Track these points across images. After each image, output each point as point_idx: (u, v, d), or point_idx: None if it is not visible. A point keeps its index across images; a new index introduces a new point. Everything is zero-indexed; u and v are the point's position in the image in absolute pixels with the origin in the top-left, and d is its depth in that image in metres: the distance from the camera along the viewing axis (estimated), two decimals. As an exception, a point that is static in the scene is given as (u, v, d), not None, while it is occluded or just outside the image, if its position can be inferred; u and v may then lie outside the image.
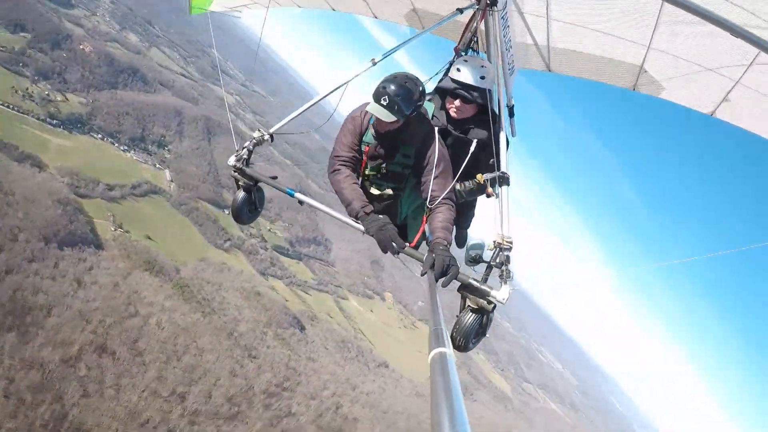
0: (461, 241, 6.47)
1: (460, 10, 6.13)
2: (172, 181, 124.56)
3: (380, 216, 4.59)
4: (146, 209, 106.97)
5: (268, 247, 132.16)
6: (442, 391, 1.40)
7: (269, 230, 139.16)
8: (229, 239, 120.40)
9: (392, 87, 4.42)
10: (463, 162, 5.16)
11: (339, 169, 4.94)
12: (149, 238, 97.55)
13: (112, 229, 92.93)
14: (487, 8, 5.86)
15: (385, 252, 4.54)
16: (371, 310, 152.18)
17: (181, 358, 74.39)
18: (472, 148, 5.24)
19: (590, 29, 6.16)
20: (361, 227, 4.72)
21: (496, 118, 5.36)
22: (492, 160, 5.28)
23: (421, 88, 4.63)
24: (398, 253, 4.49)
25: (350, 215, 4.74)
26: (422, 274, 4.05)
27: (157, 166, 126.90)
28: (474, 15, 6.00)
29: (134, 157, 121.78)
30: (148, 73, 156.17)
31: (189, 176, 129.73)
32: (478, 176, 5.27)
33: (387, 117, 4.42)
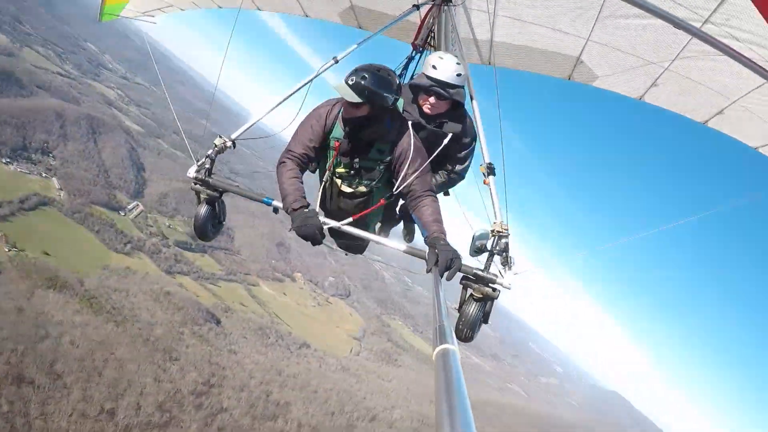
0: (411, 234, 6.75)
1: (417, 6, 6.25)
2: (61, 189, 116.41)
3: (307, 210, 4.41)
4: (39, 223, 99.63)
5: (170, 244, 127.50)
6: (446, 388, 1.39)
7: (169, 226, 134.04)
8: (129, 242, 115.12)
9: (370, 74, 4.30)
10: (434, 154, 5.10)
11: (284, 162, 4.75)
12: (47, 253, 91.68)
13: (6, 249, 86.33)
14: (443, 4, 6.11)
15: (315, 245, 4.49)
16: (284, 293, 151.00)
17: (102, 373, 71.45)
18: (445, 141, 5.20)
19: (533, 23, 6.39)
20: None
21: (466, 110, 5.47)
22: (461, 153, 5.51)
23: (398, 81, 4.58)
24: (320, 243, 4.48)
25: (284, 210, 4.59)
26: (428, 271, 3.92)
27: (44, 175, 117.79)
28: (430, 11, 6.23)
29: (18, 169, 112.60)
30: (22, 76, 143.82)
31: (79, 181, 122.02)
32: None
33: (353, 98, 4.26)
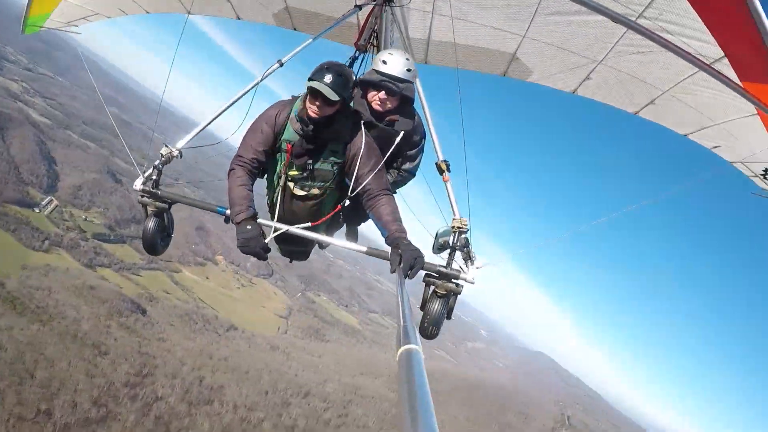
0: (355, 237, 6.54)
1: (359, 7, 6.41)
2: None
3: (249, 227, 4.38)
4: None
5: (88, 237, 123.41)
6: (408, 389, 1.39)
7: (85, 219, 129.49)
8: (46, 238, 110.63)
9: (333, 69, 4.31)
10: (388, 153, 5.09)
11: (234, 170, 4.67)
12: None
13: None
14: (385, 4, 6.20)
15: (261, 260, 4.56)
16: (207, 277, 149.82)
17: (34, 374, 70.27)
18: (398, 140, 5.17)
19: (471, 22, 6.48)
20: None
21: (415, 112, 5.45)
22: (412, 150, 5.54)
23: (354, 78, 4.64)
24: (265, 260, 4.54)
25: (231, 219, 4.56)
26: (392, 271, 3.90)
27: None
28: (372, 12, 6.24)
29: None
30: None
31: None
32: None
33: (332, 95, 4.24)
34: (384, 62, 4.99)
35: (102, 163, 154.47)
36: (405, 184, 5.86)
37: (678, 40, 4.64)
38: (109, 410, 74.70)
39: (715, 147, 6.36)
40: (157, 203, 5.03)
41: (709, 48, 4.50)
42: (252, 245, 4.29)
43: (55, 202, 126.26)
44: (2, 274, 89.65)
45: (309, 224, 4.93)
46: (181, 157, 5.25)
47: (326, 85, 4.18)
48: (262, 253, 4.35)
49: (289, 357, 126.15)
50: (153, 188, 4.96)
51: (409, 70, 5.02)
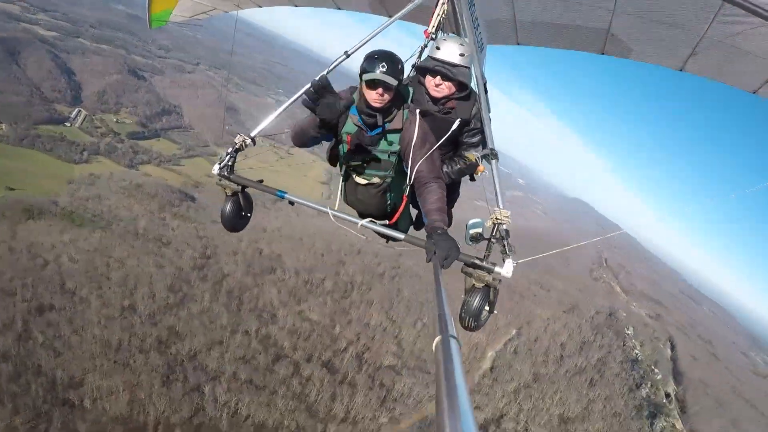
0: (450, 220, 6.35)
1: None
2: (0, 122, 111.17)
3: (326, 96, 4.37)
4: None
5: (123, 138, 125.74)
6: (445, 377, 1.41)
7: (117, 122, 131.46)
8: (84, 149, 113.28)
9: (384, 56, 4.27)
10: (446, 141, 5.06)
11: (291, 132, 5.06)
12: (11, 188, 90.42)
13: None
14: None
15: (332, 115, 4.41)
16: (245, 156, 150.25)
17: (109, 277, 74.92)
18: (454, 127, 5.09)
19: None
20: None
21: (475, 95, 5.35)
22: (473, 138, 5.39)
23: (403, 62, 4.49)
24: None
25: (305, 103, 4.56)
26: (427, 261, 3.93)
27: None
28: None
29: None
30: None
31: (15, 108, 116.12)
32: (469, 155, 5.30)
33: (390, 80, 4.23)
34: (438, 48, 5.00)
35: (120, 63, 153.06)
36: (470, 171, 5.64)
37: None
38: (184, 293, 79.86)
39: None
40: (232, 186, 5.28)
41: None
42: (329, 107, 4.26)
43: (84, 112, 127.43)
44: (52, 192, 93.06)
45: (386, 222, 5.19)
46: (254, 144, 5.53)
47: (383, 73, 4.20)
48: (335, 109, 4.28)
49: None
50: (228, 173, 5.23)
51: (462, 54, 4.97)
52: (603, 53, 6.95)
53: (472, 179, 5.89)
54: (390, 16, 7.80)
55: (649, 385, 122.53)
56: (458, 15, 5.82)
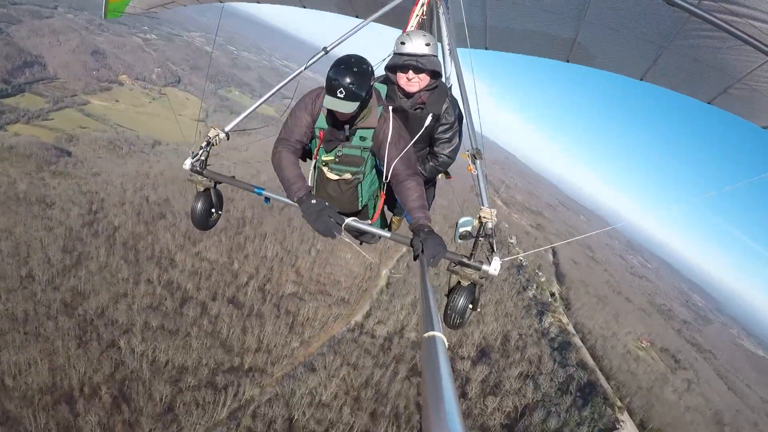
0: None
1: None
2: None
3: (314, 201, 4.16)
4: None
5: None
6: (432, 375, 1.40)
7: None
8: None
9: (345, 77, 3.99)
10: (420, 138, 4.95)
11: (280, 151, 4.52)
12: None
13: None
14: None
15: (331, 237, 4.22)
16: (116, 101, 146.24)
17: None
18: (427, 122, 5.00)
19: (527, 6, 6.20)
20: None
21: (445, 89, 5.27)
22: (446, 134, 5.26)
23: (370, 68, 4.20)
24: (335, 236, 4.23)
25: (289, 198, 4.38)
26: (414, 259, 3.78)
27: None
28: None
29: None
30: None
31: None
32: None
33: (347, 108, 4.05)
34: (402, 43, 4.89)
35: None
36: (445, 168, 5.59)
37: (745, 23, 4.29)
38: (80, 252, 79.65)
39: None
40: (205, 182, 5.04)
41: None
42: (324, 218, 4.07)
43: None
44: None
45: (369, 222, 4.89)
46: (228, 139, 5.25)
47: (341, 99, 4.01)
48: (338, 226, 4.11)
49: (219, 157, 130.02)
50: (201, 168, 4.94)
51: (428, 44, 4.85)
52: (567, 61, 7.08)
53: (447, 176, 5.95)
54: (357, 17, 8.18)
55: (534, 287, 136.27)
56: (435, 17, 5.94)
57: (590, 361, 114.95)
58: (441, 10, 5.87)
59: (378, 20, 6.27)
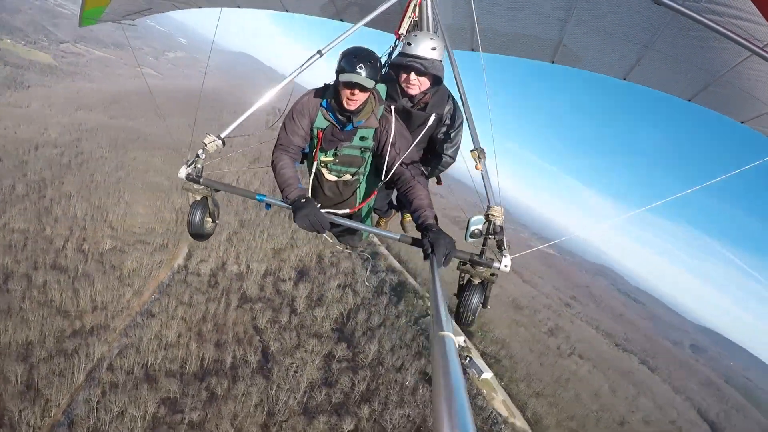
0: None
1: None
2: None
3: (304, 200, 4.06)
4: None
5: None
6: (443, 375, 1.39)
7: None
8: None
9: (363, 56, 4.01)
10: (422, 138, 4.97)
11: (278, 156, 4.47)
12: None
13: None
14: None
15: (321, 232, 4.17)
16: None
17: None
18: (429, 123, 4.94)
19: (514, 9, 6.19)
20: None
21: (446, 90, 5.18)
22: (448, 134, 5.22)
23: (380, 63, 4.19)
24: (323, 231, 4.15)
25: (284, 200, 4.22)
26: (425, 259, 3.63)
27: None
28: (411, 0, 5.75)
29: None
30: None
31: None
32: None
33: (368, 83, 4.00)
34: (409, 43, 4.76)
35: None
36: (446, 169, 5.50)
37: (727, 22, 4.33)
38: None
39: None
40: (201, 190, 4.56)
41: (760, 29, 4.24)
42: (311, 218, 3.96)
43: None
44: None
45: (347, 211, 4.77)
46: (224, 145, 4.77)
47: (362, 75, 3.97)
48: (321, 226, 4.01)
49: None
50: (197, 176, 4.46)
51: (434, 48, 4.72)
52: (553, 62, 6.97)
53: (438, 182, 5.89)
54: (342, 21, 8.12)
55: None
56: (425, 19, 5.80)
57: (397, 265, 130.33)
58: (430, 12, 5.76)
59: (368, 24, 5.94)
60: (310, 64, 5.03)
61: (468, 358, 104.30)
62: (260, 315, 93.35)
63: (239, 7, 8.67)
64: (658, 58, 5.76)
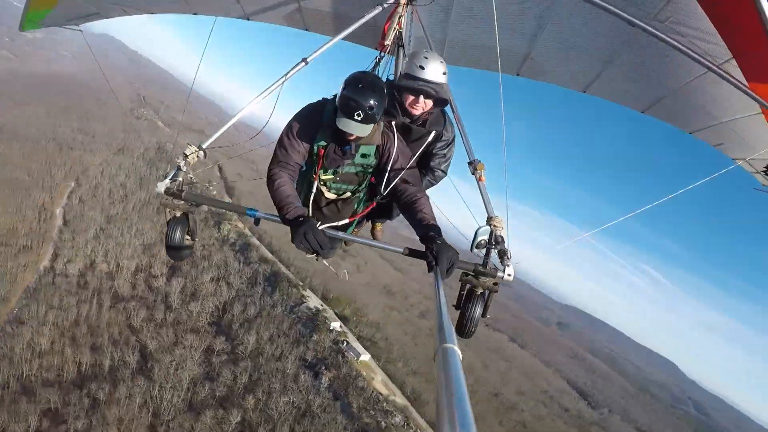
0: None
1: (382, 6, 5.67)
2: None
3: (303, 220, 3.75)
4: None
5: None
6: (446, 387, 1.40)
7: None
8: None
9: (366, 99, 3.77)
10: (422, 154, 4.90)
11: (275, 173, 4.15)
12: None
13: None
14: (408, 3, 5.83)
15: (320, 254, 3.97)
16: None
17: None
18: (429, 139, 4.94)
19: (487, 23, 6.13)
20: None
21: (444, 112, 5.16)
22: (444, 149, 5.22)
23: (386, 90, 4.02)
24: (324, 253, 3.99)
25: (281, 217, 3.94)
26: (429, 271, 3.58)
27: None
28: (395, 11, 5.76)
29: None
30: None
31: None
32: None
33: (363, 132, 3.91)
34: (421, 67, 4.59)
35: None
36: (437, 183, 5.49)
37: (688, 41, 4.56)
38: None
39: (719, 144, 6.19)
40: (182, 205, 4.20)
41: (717, 49, 4.46)
42: (311, 239, 3.66)
43: None
44: None
45: (344, 222, 4.67)
46: (205, 156, 4.55)
47: (358, 122, 3.81)
48: (320, 247, 3.72)
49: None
50: (178, 190, 4.08)
51: (445, 73, 4.63)
52: (518, 75, 7.03)
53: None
54: (308, 30, 8.14)
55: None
56: (405, 31, 5.91)
57: (270, 256, 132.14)
58: (410, 24, 5.88)
59: (347, 38, 5.78)
60: (294, 73, 4.99)
61: (345, 342, 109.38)
62: (135, 314, 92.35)
63: (195, 14, 8.37)
64: (618, 73, 6.04)
